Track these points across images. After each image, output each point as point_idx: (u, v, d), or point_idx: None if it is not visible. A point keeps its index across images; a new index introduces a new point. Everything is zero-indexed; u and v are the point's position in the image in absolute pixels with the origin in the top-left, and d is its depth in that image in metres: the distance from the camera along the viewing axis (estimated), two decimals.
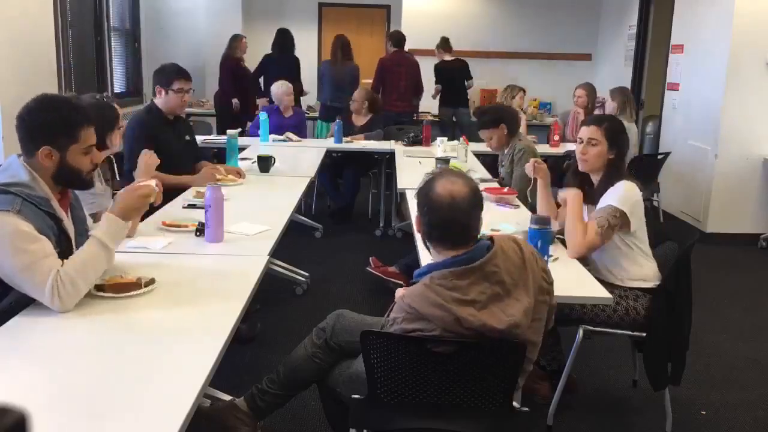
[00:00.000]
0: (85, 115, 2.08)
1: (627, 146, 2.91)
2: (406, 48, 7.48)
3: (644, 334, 2.71)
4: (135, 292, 2.06)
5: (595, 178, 2.85)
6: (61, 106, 2.04)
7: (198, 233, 2.73)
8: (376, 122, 6.35)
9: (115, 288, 2.06)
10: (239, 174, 4.04)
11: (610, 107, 5.71)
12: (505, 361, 1.84)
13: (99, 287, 2.06)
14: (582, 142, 2.84)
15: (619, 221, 2.67)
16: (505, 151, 4.41)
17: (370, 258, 4.42)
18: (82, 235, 2.18)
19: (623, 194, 2.69)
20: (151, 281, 2.12)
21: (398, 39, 7.42)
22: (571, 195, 2.80)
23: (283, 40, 7.55)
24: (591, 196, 2.84)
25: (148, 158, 3.09)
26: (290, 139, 5.88)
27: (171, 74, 3.82)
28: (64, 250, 2.01)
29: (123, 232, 2.09)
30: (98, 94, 3.43)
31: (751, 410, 3.10)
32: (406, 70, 7.30)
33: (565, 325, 2.83)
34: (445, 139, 5.50)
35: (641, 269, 2.77)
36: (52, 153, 2.01)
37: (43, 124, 2.01)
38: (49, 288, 1.87)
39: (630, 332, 2.75)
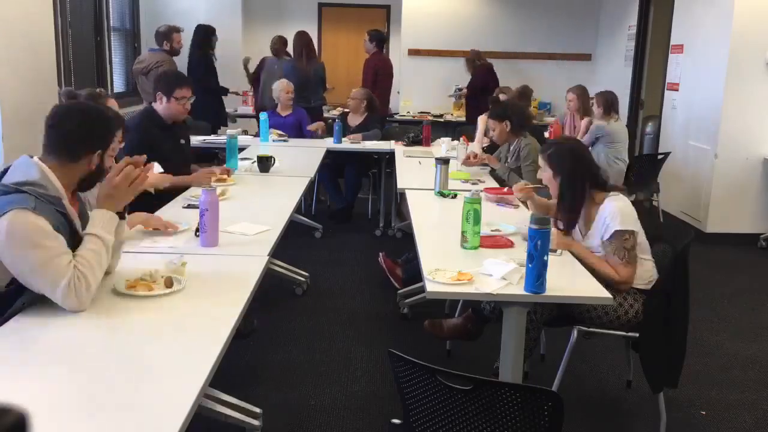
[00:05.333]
0: (118, 120, 2.26)
1: (577, 166, 2.77)
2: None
3: (638, 335, 2.72)
4: (164, 291, 2.11)
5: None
6: (105, 116, 2.19)
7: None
8: (372, 122, 6.30)
9: (146, 287, 2.12)
10: (228, 173, 4.02)
11: (596, 110, 5.76)
12: (536, 413, 1.54)
13: (131, 286, 2.12)
14: None
15: (633, 240, 2.67)
16: (510, 147, 4.45)
17: (382, 253, 4.43)
18: None
19: (619, 212, 2.67)
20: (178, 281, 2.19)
21: (383, 39, 7.34)
22: (565, 243, 2.74)
23: (197, 38, 7.10)
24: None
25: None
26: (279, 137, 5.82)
27: (173, 82, 3.84)
28: (74, 249, 2.02)
29: (113, 222, 2.09)
30: (98, 91, 3.45)
31: (751, 410, 3.10)
32: (390, 72, 7.26)
33: (559, 325, 2.83)
34: (448, 139, 5.50)
35: (641, 268, 2.77)
36: (94, 159, 2.10)
37: (99, 133, 2.13)
38: (65, 285, 1.89)
39: (624, 333, 2.75)
